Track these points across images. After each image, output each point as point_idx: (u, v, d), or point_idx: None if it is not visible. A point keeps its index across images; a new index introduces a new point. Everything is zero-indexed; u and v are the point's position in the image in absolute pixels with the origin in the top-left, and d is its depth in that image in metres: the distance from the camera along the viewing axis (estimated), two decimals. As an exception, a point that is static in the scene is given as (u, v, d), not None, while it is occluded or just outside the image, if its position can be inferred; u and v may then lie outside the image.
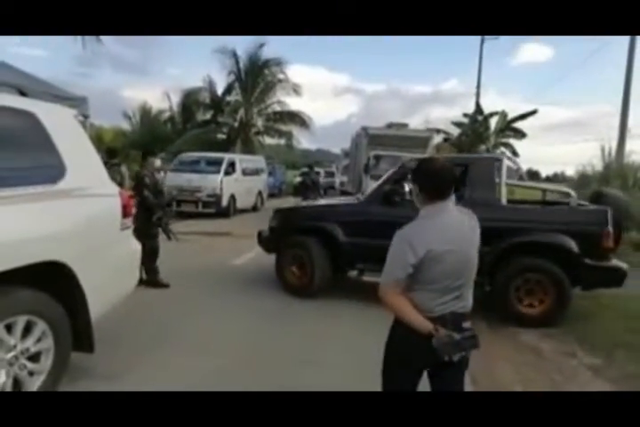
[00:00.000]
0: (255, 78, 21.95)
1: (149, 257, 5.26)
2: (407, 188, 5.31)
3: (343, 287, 5.70)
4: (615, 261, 4.77)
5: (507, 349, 4.14)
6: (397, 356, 1.97)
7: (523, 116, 19.03)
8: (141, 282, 5.13)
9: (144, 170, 5.62)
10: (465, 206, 4.34)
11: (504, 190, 4.96)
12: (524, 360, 3.92)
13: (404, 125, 17.03)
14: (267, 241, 5.89)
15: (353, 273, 5.68)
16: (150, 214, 5.38)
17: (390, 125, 16.48)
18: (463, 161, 5.71)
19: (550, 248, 4.69)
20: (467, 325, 1.89)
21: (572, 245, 4.58)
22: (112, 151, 6.69)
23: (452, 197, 1.94)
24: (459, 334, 1.81)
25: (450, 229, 1.87)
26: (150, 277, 5.47)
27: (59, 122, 2.93)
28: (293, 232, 5.57)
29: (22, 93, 3.01)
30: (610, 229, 4.58)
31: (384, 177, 5.68)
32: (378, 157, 12.20)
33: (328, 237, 5.30)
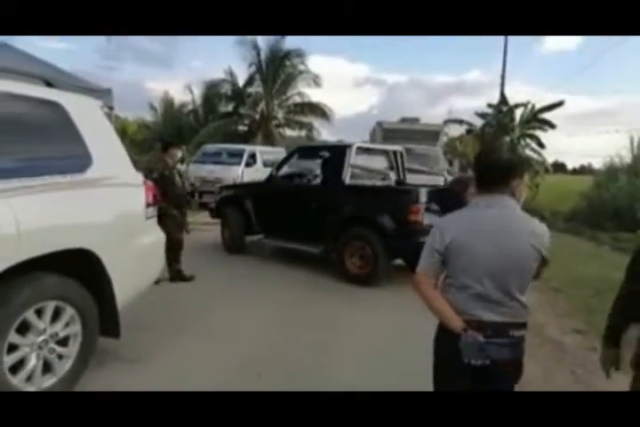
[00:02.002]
0: (276, 70, 21.89)
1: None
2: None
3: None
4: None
5: (529, 342, 4.08)
6: (439, 355, 1.89)
7: (549, 108, 18.51)
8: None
9: (159, 162, 5.33)
10: (318, 185, 5.74)
11: (349, 172, 5.94)
12: (547, 354, 3.87)
13: (417, 120, 18.91)
14: (211, 210, 7.63)
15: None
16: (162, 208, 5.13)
17: (403, 120, 17.73)
18: (323, 149, 6.81)
19: (368, 220, 5.58)
20: (515, 333, 1.75)
21: (385, 218, 5.42)
22: None
23: (505, 197, 1.79)
24: (491, 338, 1.68)
25: (483, 223, 1.76)
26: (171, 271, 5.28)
27: (84, 112, 2.99)
28: (225, 203, 7.17)
29: (49, 84, 3.07)
30: (418, 206, 5.29)
31: (277, 163, 7.27)
32: None
33: (243, 207, 6.82)
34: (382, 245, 5.41)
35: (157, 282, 5.07)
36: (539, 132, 19.03)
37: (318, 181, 6.44)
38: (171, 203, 5.15)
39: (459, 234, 1.76)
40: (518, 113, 18.95)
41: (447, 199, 5.43)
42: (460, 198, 5.35)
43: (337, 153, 6.16)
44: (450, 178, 9.05)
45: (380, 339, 3.99)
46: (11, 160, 2.46)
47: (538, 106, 18.67)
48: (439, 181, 9.01)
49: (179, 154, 5.63)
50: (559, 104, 18.31)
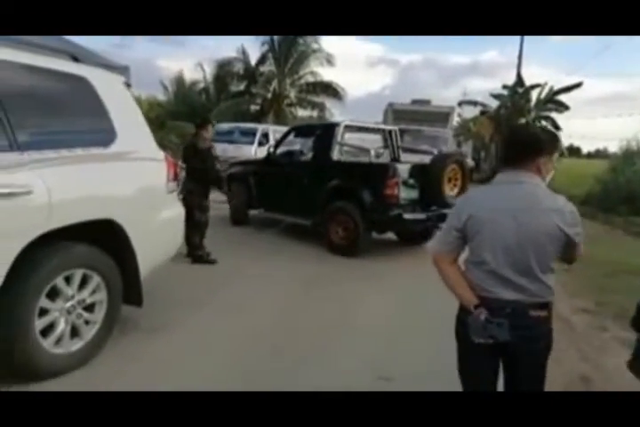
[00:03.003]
0: (289, 48, 21.65)
1: (199, 230, 5.19)
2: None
3: (383, 250, 6.32)
4: (404, 212, 5.62)
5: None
6: (457, 331, 1.88)
7: (567, 89, 18.20)
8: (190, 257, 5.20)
9: (206, 141, 5.29)
10: (309, 161, 6.38)
11: (336, 149, 6.32)
12: (555, 332, 3.93)
13: (427, 102, 19.04)
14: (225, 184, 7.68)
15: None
16: (207, 188, 5.24)
17: (414, 102, 18.14)
18: (315, 128, 7.30)
19: (351, 194, 5.84)
20: (534, 313, 1.72)
21: (365, 192, 5.71)
22: None
23: (529, 174, 1.74)
24: (496, 318, 1.66)
25: (502, 198, 1.72)
26: (194, 251, 5.23)
27: (109, 87, 3.05)
28: (231, 179, 7.42)
29: (75, 59, 3.12)
30: (394, 180, 5.55)
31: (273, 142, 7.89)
32: (402, 131, 12.68)
33: (246, 183, 7.26)
34: (362, 218, 5.71)
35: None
36: (555, 115, 18.74)
37: (309, 157, 6.78)
38: (200, 180, 5.16)
39: (477, 210, 1.74)
40: (534, 95, 18.66)
41: (427, 175, 5.79)
42: (437, 174, 5.74)
43: (326, 131, 6.52)
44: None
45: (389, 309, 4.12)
46: (41, 132, 2.55)
47: (555, 88, 18.34)
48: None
49: (211, 131, 5.58)
50: (577, 86, 17.99)
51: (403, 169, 5.77)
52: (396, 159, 7.23)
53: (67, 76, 2.78)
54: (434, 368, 2.97)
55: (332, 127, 6.55)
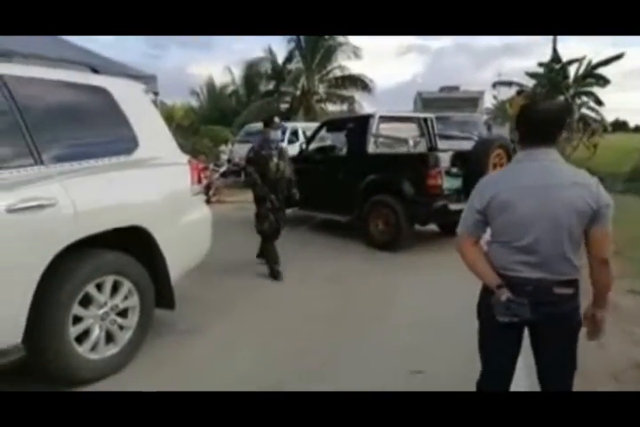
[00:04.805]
0: (315, 44, 21.59)
1: (262, 238, 4.86)
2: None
3: (424, 242, 6.18)
4: (449, 203, 5.35)
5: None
6: (480, 312, 1.90)
7: (607, 62, 17.30)
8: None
9: (267, 141, 4.71)
10: (344, 156, 6.31)
11: (371, 141, 6.15)
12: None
13: (456, 88, 19.79)
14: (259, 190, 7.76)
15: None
16: (255, 194, 4.72)
17: (442, 89, 18.61)
18: (348, 121, 7.02)
19: (390, 187, 5.66)
20: (559, 291, 1.70)
21: (406, 184, 5.50)
22: None
23: (549, 150, 1.71)
24: (518, 297, 1.66)
25: (525, 178, 1.70)
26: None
27: (129, 96, 3.11)
28: None
29: (94, 71, 3.20)
30: (436, 170, 5.28)
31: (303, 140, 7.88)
32: None
33: None
34: (404, 211, 5.53)
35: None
36: (596, 89, 17.85)
37: (344, 151, 6.65)
38: (262, 188, 4.62)
39: (499, 191, 1.72)
40: (572, 70, 17.84)
41: (470, 162, 5.55)
42: (482, 161, 5.51)
43: (360, 124, 6.32)
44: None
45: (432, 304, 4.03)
46: (64, 145, 2.62)
47: (595, 61, 17.46)
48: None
49: (271, 133, 4.74)
50: (618, 57, 17.05)
51: (444, 158, 5.53)
52: (433, 147, 6.98)
53: (86, 87, 2.85)
54: (469, 363, 2.88)
55: (365, 119, 6.34)
